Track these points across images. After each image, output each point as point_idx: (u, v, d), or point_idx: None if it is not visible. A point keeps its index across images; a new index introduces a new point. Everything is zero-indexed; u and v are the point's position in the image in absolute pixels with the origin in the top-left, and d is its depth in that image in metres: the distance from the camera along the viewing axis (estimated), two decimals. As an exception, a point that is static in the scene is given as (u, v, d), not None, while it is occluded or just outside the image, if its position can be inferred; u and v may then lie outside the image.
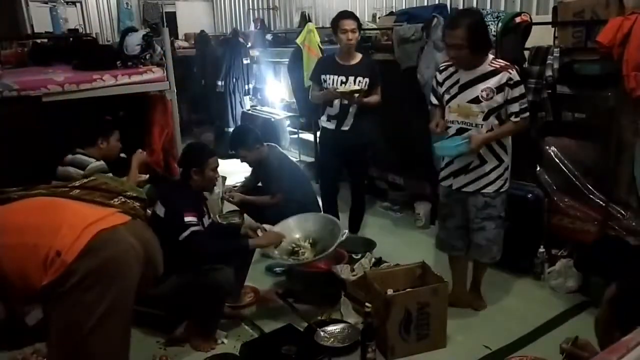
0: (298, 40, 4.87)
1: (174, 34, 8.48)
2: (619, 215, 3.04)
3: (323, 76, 3.57)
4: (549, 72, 3.23)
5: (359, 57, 3.58)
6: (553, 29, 3.34)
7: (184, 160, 2.80)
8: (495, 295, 3.17)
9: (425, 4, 5.50)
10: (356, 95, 3.43)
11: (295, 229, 3.04)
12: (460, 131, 2.65)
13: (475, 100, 2.58)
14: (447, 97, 2.69)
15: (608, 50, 2.85)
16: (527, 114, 2.62)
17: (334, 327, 2.72)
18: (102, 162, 3.14)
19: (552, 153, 3.32)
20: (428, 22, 3.89)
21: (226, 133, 6.43)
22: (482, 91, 2.56)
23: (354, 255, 3.38)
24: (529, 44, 3.48)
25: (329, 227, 3.00)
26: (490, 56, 2.61)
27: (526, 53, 3.46)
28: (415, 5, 5.62)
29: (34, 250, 1.56)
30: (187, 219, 2.54)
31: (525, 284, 3.29)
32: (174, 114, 3.85)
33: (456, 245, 2.90)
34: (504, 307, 3.06)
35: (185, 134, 6.46)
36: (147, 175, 3.52)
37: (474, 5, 5.04)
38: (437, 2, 5.04)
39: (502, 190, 2.71)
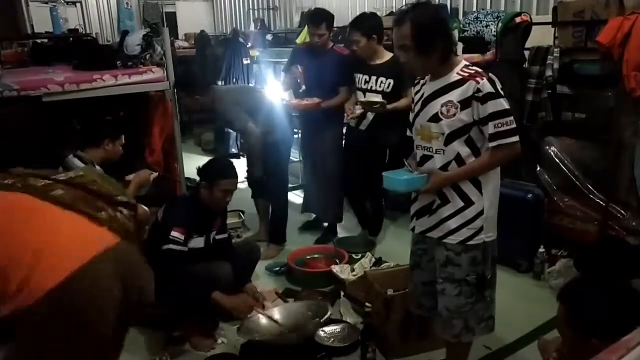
0: (298, 40, 4.88)
1: (174, 34, 8.48)
2: (619, 215, 3.04)
3: (355, 74, 3.51)
4: (549, 72, 3.23)
5: (387, 56, 3.41)
6: (553, 29, 3.34)
7: (199, 172, 2.78)
8: (495, 295, 3.17)
9: (425, 4, 5.50)
10: (375, 106, 3.32)
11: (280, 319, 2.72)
12: (423, 159, 2.04)
13: (435, 118, 1.94)
14: (411, 115, 2.11)
15: (608, 50, 2.85)
16: (512, 138, 1.87)
17: (334, 327, 2.72)
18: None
19: (552, 153, 3.32)
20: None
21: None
22: (442, 106, 1.91)
23: (354, 255, 3.38)
24: (529, 44, 3.48)
25: (312, 309, 2.73)
26: (463, 63, 1.96)
27: (526, 53, 3.46)
28: (415, 5, 5.62)
29: None
30: (173, 234, 2.51)
31: (525, 284, 3.29)
32: (174, 114, 3.84)
33: (424, 304, 2.26)
34: (504, 307, 3.05)
35: (185, 134, 6.48)
36: (157, 173, 3.48)
37: (474, 5, 5.04)
38: (437, 2, 5.04)
39: (469, 243, 1.98)
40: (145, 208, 3.25)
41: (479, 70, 1.93)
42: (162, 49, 3.77)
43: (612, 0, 2.98)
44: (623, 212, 3.04)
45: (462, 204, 1.97)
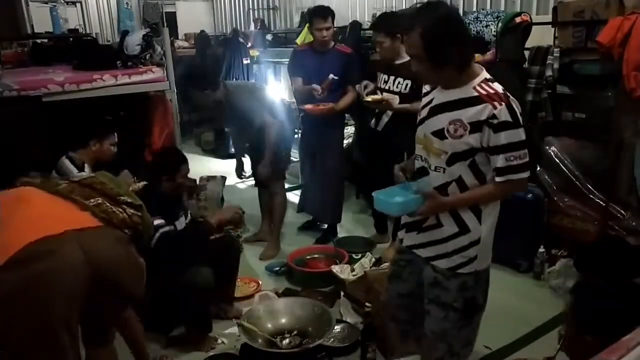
0: (298, 41, 4.88)
1: (174, 34, 8.49)
2: (619, 215, 3.04)
3: (378, 73, 3.46)
4: (549, 72, 3.23)
5: (406, 57, 3.25)
6: (553, 29, 3.34)
7: (157, 168, 2.76)
8: (495, 295, 3.15)
9: (425, 4, 5.50)
10: (379, 104, 3.29)
11: (282, 313, 2.66)
12: (421, 172, 1.86)
13: (439, 134, 1.73)
14: (418, 119, 1.88)
15: (608, 50, 2.85)
16: (523, 174, 1.69)
17: (334, 327, 2.72)
18: (84, 173, 2.96)
19: (552, 153, 3.32)
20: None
21: (226, 133, 6.43)
22: (450, 123, 1.70)
23: (354, 255, 3.38)
24: (529, 44, 3.48)
25: (317, 312, 2.63)
26: (483, 75, 1.73)
27: (526, 53, 3.46)
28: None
29: None
30: (156, 222, 2.48)
31: (525, 284, 3.29)
32: (174, 114, 3.85)
33: (399, 317, 2.10)
34: (504, 307, 3.05)
35: (185, 134, 6.48)
36: (145, 182, 3.47)
37: (474, 5, 5.04)
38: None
39: (460, 271, 1.81)
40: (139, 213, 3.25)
41: (500, 91, 1.68)
42: (162, 49, 3.77)
43: (612, 0, 2.98)
44: (623, 212, 3.04)
45: (456, 229, 1.78)
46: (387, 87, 3.35)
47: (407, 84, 3.25)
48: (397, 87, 3.29)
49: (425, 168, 1.83)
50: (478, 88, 1.68)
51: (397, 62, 3.30)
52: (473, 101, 1.67)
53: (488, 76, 1.73)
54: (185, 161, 2.79)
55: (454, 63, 1.66)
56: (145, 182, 3.12)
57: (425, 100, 1.85)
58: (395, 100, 3.28)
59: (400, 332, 2.14)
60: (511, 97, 1.69)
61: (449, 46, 1.63)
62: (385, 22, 3.34)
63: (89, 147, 3.13)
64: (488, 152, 1.68)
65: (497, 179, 1.69)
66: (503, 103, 1.64)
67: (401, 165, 1.99)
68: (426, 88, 1.89)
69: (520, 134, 1.67)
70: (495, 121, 1.63)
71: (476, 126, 1.65)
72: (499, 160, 1.66)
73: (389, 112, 3.34)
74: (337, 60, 3.57)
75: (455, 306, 1.83)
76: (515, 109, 1.66)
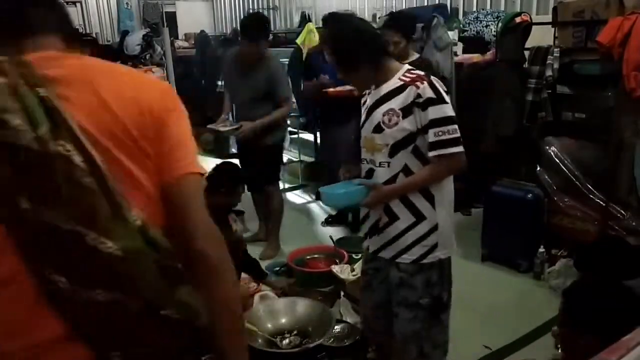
0: (298, 41, 4.88)
1: (174, 34, 8.48)
2: (619, 215, 3.04)
3: None
4: (549, 72, 3.24)
5: (414, 56, 3.37)
6: (553, 29, 3.34)
7: (226, 178, 2.81)
8: (495, 294, 3.17)
9: (425, 4, 5.51)
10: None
11: (282, 313, 2.63)
12: (368, 173, 1.88)
13: (378, 129, 1.79)
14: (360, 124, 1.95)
15: (608, 50, 2.85)
16: (453, 148, 1.73)
17: (334, 327, 2.71)
18: None
19: (552, 153, 3.32)
20: (428, 22, 3.89)
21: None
22: (383, 115, 1.77)
23: (354, 255, 3.37)
24: (529, 44, 3.48)
25: (317, 312, 2.61)
26: (405, 67, 1.83)
27: (526, 53, 3.46)
28: (415, 5, 5.63)
29: None
30: None
31: (525, 283, 3.29)
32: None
33: (376, 329, 2.10)
34: (504, 307, 3.06)
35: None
36: None
37: (474, 5, 5.05)
38: (437, 2, 5.04)
39: (424, 261, 1.81)
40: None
41: (421, 74, 1.77)
42: (162, 49, 3.78)
43: (612, 0, 2.98)
44: (623, 212, 3.04)
45: (413, 219, 1.80)
46: None
47: None
48: None
49: (371, 169, 1.86)
50: (402, 77, 1.78)
51: (406, 61, 3.32)
52: (400, 89, 1.76)
53: (410, 67, 1.84)
54: (243, 181, 2.95)
55: (365, 61, 1.77)
56: None
57: (363, 106, 1.93)
58: None
59: (376, 345, 2.19)
60: (433, 77, 1.77)
61: (354, 47, 1.75)
62: (402, 23, 3.35)
63: None
64: (423, 132, 1.74)
65: (430, 154, 1.74)
66: (424, 81, 1.72)
67: (346, 168, 2.00)
68: (364, 97, 1.96)
69: (445, 110, 1.72)
70: (420, 100, 1.70)
71: (407, 110, 1.73)
72: (430, 136, 1.72)
73: None
74: None
75: (422, 304, 1.85)
76: (438, 86, 1.73)
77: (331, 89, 3.72)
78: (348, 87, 3.54)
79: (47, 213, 0.80)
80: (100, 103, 0.89)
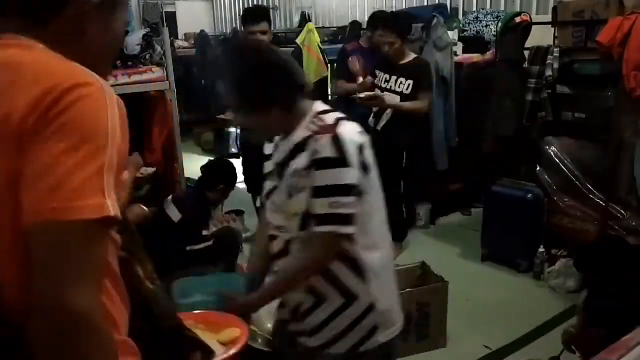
0: (298, 41, 4.87)
1: (174, 34, 8.48)
2: (619, 215, 3.04)
3: (377, 71, 3.44)
4: (549, 72, 3.24)
5: (411, 57, 3.37)
6: (553, 29, 3.34)
7: (222, 176, 2.86)
8: (495, 295, 3.18)
9: (425, 4, 5.51)
10: (372, 101, 3.27)
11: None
12: (271, 239, 1.48)
13: (286, 193, 1.38)
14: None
15: (608, 50, 2.85)
16: (343, 228, 1.29)
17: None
18: None
19: (552, 153, 3.32)
20: (428, 22, 3.89)
21: (226, 133, 6.43)
22: (291, 177, 1.35)
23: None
24: (529, 44, 3.48)
25: None
26: (317, 108, 1.38)
27: (526, 53, 3.46)
28: (415, 5, 5.63)
29: None
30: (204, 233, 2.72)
31: (525, 283, 3.29)
32: (174, 114, 3.84)
33: None
34: (504, 307, 3.06)
35: (185, 134, 6.48)
36: (154, 169, 3.48)
37: (474, 5, 5.04)
38: (437, 2, 5.04)
39: (362, 349, 1.39)
40: (145, 208, 3.26)
41: (330, 122, 1.32)
42: (162, 49, 3.77)
43: (612, 0, 2.98)
44: (623, 212, 3.04)
45: (342, 300, 1.37)
46: (388, 87, 3.33)
47: (409, 84, 3.26)
48: (399, 87, 3.29)
49: (274, 237, 1.46)
50: (310, 126, 1.35)
51: (401, 62, 3.32)
52: (304, 143, 1.33)
53: (322, 108, 1.39)
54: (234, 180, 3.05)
55: (278, 104, 1.34)
56: (154, 169, 3.21)
57: (269, 162, 1.50)
58: (395, 99, 3.28)
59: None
60: (347, 128, 1.31)
61: (264, 90, 1.32)
62: (397, 23, 3.34)
63: None
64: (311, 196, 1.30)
65: (316, 231, 1.31)
66: (327, 135, 1.28)
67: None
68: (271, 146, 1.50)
69: (342, 176, 1.27)
70: (318, 157, 1.28)
71: (309, 169, 1.30)
72: (318, 206, 1.29)
73: (389, 112, 3.32)
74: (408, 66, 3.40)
75: None
76: (343, 142, 1.27)
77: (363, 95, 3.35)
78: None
79: None
80: None
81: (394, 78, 3.31)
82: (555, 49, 3.21)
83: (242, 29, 3.47)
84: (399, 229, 3.66)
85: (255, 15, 3.25)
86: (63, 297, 0.65)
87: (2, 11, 0.77)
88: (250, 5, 8.72)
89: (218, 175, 2.84)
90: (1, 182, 0.68)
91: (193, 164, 3.01)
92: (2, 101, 0.69)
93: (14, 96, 0.69)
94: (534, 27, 3.47)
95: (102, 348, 0.69)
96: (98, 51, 0.82)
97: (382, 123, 3.35)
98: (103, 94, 0.72)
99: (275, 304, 1.57)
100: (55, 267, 0.66)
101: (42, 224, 0.66)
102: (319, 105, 1.40)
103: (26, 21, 0.76)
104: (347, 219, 1.29)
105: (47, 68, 0.72)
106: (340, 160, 1.27)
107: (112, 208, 0.68)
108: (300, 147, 1.34)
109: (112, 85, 3.59)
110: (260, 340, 2.45)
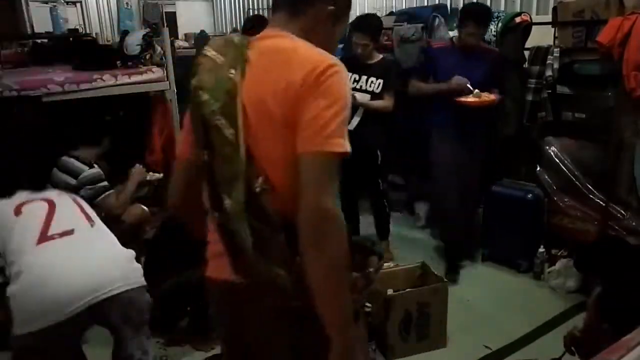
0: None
1: (174, 34, 8.48)
2: (619, 215, 3.04)
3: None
4: (549, 72, 3.24)
5: (379, 57, 3.44)
6: (553, 29, 3.34)
7: None
8: (495, 294, 3.18)
9: (425, 4, 5.51)
10: None
11: None
12: None
13: None
14: None
15: (608, 50, 2.85)
16: None
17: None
18: (96, 170, 2.98)
19: (552, 153, 3.32)
20: (428, 22, 3.89)
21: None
22: None
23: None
24: (529, 44, 3.48)
25: None
26: None
27: (526, 53, 3.46)
28: (415, 5, 5.63)
29: None
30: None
31: (525, 283, 3.29)
32: (174, 114, 3.84)
33: None
34: (504, 307, 3.06)
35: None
36: (162, 174, 3.47)
37: (474, 5, 5.03)
38: (437, 2, 5.04)
39: None
40: (146, 208, 3.26)
41: None
42: (162, 49, 3.77)
43: (612, 0, 2.98)
44: (623, 212, 3.03)
45: None
46: (358, 87, 3.38)
47: (379, 83, 3.33)
48: (369, 86, 3.36)
49: None
50: None
51: (369, 62, 3.40)
52: None
53: None
54: None
55: None
56: (161, 175, 3.29)
57: None
58: (365, 98, 3.33)
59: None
60: None
61: None
62: (369, 25, 3.37)
63: (100, 146, 3.13)
64: None
65: None
66: None
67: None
68: None
69: None
70: None
71: None
72: None
73: (360, 112, 3.35)
74: (485, 60, 3.28)
75: None
76: None
77: (467, 98, 3.13)
78: (492, 96, 3.14)
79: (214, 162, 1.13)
80: (257, 80, 1.11)
81: (364, 77, 3.38)
82: (555, 49, 3.21)
83: (242, 30, 3.49)
84: (383, 227, 3.71)
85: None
86: (321, 201, 1.03)
87: (276, 4, 1.23)
88: (250, 6, 8.73)
89: None
90: (281, 123, 1.08)
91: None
92: (287, 72, 1.08)
93: (293, 70, 1.07)
94: (534, 27, 3.47)
95: (341, 230, 1.06)
96: (320, 46, 1.15)
97: (355, 123, 3.34)
98: (344, 72, 1.11)
99: None
100: (317, 181, 1.04)
101: (312, 153, 1.05)
102: None
103: (290, 13, 1.19)
104: None
105: (311, 52, 1.11)
106: None
107: (348, 147, 1.07)
108: None
109: (112, 86, 3.58)
110: None
